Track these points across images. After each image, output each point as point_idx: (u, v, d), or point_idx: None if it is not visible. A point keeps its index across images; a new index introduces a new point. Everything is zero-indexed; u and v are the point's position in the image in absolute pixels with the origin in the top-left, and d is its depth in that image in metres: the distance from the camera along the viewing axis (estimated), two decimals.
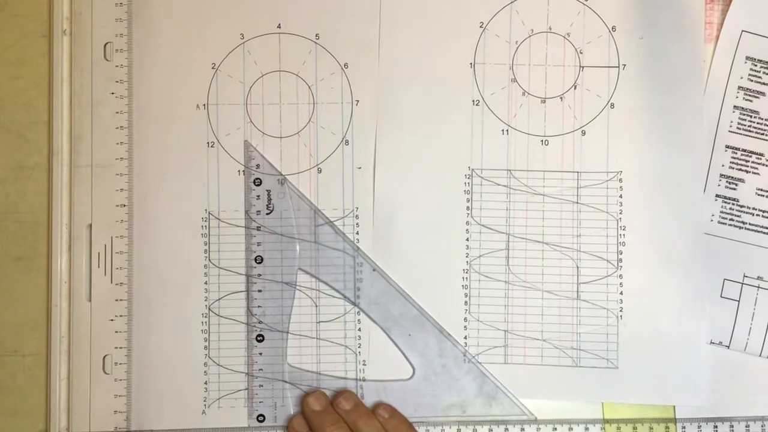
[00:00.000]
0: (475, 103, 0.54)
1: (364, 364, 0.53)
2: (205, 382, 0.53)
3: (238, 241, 0.53)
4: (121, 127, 0.53)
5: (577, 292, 0.53)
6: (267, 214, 0.53)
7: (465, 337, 0.53)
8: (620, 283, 0.53)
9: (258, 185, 0.53)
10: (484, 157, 0.54)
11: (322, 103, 0.54)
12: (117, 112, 0.53)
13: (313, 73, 0.54)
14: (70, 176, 0.53)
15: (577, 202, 0.53)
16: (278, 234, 0.53)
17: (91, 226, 0.53)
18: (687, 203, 0.53)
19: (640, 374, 0.52)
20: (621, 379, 0.52)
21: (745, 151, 0.53)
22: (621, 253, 0.53)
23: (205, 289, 0.53)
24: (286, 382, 0.53)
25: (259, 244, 0.53)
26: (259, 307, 0.53)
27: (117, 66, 0.54)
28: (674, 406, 0.53)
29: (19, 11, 0.54)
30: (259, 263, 0.53)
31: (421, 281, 0.53)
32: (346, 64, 0.54)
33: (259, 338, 0.53)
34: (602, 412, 0.53)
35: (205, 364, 0.53)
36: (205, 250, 0.53)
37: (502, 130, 0.54)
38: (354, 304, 0.53)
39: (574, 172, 0.53)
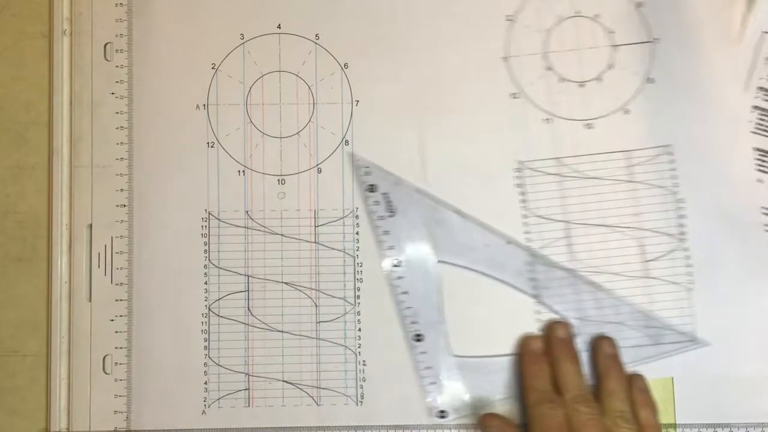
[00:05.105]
0: (515, 96, 0.53)
1: (364, 364, 0.53)
2: (205, 382, 0.53)
3: (238, 241, 0.53)
4: (121, 127, 0.53)
5: (647, 270, 0.53)
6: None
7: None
8: (687, 256, 0.53)
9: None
10: (532, 150, 0.53)
11: (322, 103, 0.54)
12: (117, 112, 0.53)
13: (313, 73, 0.54)
14: (70, 176, 0.53)
15: (631, 181, 0.53)
16: (279, 234, 0.53)
17: (91, 226, 0.53)
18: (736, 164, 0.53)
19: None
20: None
21: (764, 151, 0.53)
22: (683, 227, 0.53)
23: (205, 289, 0.53)
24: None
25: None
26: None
27: (117, 66, 0.54)
28: (674, 410, 0.52)
29: (19, 11, 0.54)
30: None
31: None
32: (346, 64, 0.54)
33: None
34: None
35: (205, 364, 0.53)
36: (205, 250, 0.53)
37: (546, 119, 0.53)
38: (354, 304, 0.53)
39: (623, 151, 0.53)
